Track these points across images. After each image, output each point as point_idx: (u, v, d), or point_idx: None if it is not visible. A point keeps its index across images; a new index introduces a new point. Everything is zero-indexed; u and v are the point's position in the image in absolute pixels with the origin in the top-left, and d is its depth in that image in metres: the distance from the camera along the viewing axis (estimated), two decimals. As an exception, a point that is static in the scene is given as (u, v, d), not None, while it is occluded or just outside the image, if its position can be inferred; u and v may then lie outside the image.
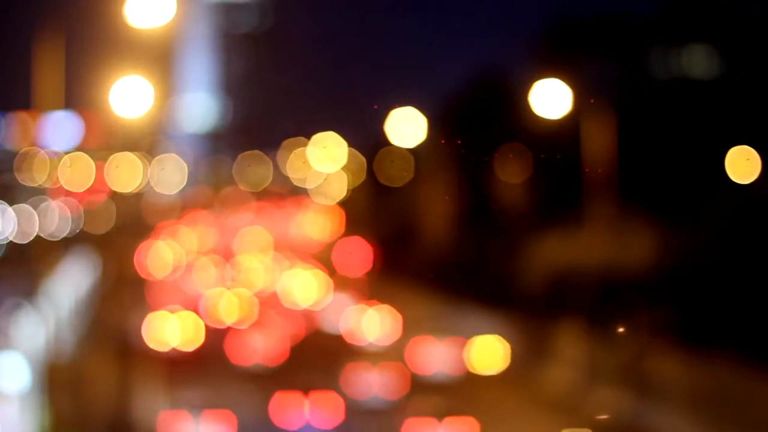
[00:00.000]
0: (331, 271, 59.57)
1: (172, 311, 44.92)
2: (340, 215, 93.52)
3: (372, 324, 38.60)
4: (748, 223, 34.25)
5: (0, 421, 25.59)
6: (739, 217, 34.81)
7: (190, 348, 38.39)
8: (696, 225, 37.40)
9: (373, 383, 30.06)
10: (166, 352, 37.74)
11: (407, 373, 32.15)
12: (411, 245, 70.01)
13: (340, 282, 50.82)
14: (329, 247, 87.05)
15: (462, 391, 31.09)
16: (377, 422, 26.91)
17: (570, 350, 40.70)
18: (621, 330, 37.15)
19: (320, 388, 28.29)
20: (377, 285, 54.90)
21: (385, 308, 41.13)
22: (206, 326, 40.33)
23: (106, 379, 37.91)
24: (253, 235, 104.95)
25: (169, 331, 40.81)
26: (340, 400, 28.44)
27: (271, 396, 28.78)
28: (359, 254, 62.13)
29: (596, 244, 40.70)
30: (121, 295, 57.92)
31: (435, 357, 34.49)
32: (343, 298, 45.14)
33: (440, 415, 26.62)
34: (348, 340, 37.52)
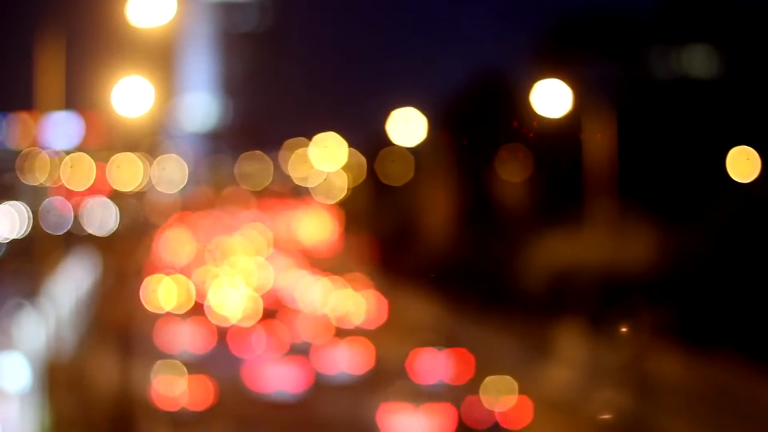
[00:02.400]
0: (311, 261, 74.44)
1: (168, 274, 56.31)
2: (340, 213, 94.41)
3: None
4: (748, 222, 34.33)
5: (0, 421, 25.65)
6: (739, 217, 34.89)
7: (182, 311, 47.37)
8: (696, 225, 37.49)
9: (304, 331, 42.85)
10: (162, 315, 46.50)
11: (332, 327, 44.25)
12: (411, 243, 70.13)
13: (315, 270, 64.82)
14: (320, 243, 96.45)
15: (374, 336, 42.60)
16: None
17: (570, 350, 40.82)
18: (622, 330, 37.29)
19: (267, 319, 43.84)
20: (377, 282, 62.63)
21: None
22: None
23: (106, 379, 38.09)
24: (252, 232, 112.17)
25: (164, 295, 51.32)
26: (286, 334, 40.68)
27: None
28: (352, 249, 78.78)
29: (597, 243, 40.83)
30: (122, 292, 60.61)
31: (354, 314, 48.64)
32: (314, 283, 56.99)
33: (342, 336, 40.49)
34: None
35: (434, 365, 34.93)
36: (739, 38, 79.60)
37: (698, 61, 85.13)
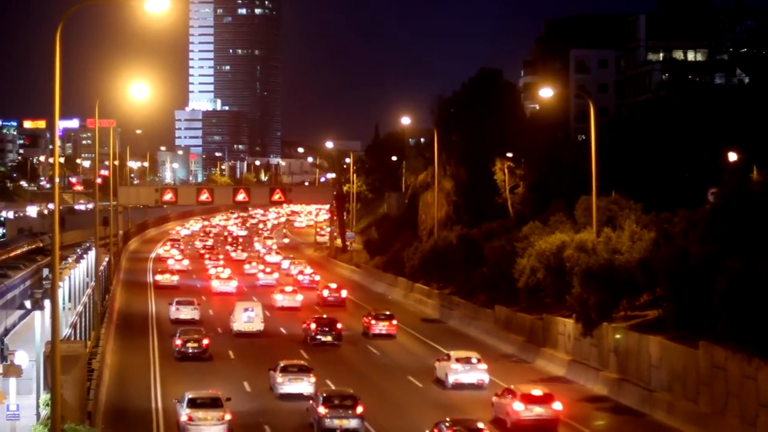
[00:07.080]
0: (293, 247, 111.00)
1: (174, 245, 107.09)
2: (339, 212, 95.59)
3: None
4: (740, 218, 34.71)
5: (6, 413, 26.19)
6: (732, 213, 35.32)
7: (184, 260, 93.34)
8: (690, 219, 37.94)
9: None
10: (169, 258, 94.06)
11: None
12: (409, 241, 70.64)
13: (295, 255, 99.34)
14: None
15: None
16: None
17: (566, 342, 41.35)
18: (618, 323, 37.76)
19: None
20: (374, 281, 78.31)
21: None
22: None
23: (111, 371, 38.88)
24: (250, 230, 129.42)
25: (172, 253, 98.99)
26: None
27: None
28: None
29: (594, 238, 41.24)
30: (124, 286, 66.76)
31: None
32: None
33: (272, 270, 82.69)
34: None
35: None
36: (735, 40, 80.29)
37: (695, 61, 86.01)
